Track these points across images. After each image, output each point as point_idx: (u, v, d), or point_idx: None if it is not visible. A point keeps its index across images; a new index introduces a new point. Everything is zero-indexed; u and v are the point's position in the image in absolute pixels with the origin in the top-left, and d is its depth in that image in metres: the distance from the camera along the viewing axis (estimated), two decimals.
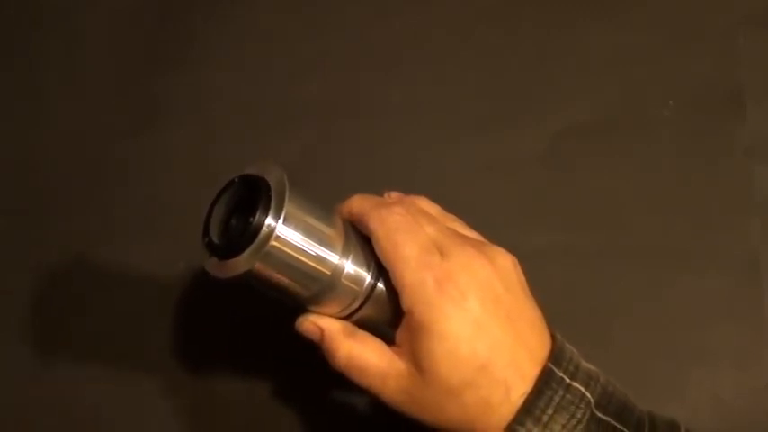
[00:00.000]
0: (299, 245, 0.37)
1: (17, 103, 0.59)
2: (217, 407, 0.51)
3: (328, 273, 0.38)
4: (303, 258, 0.37)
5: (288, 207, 0.36)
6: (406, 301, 0.37)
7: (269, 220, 0.36)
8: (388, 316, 0.40)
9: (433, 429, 0.38)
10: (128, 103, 0.58)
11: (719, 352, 0.48)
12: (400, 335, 0.38)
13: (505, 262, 0.39)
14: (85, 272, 0.54)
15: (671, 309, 0.49)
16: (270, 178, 0.37)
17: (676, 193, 0.52)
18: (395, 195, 0.43)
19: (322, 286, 0.38)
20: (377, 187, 0.53)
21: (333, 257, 0.38)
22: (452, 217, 0.44)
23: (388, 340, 0.39)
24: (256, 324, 0.51)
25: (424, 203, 0.43)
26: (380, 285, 0.40)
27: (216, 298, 0.52)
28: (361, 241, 0.40)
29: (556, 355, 0.38)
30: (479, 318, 0.37)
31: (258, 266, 0.36)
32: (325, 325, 0.39)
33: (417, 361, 0.37)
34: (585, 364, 0.39)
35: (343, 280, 0.38)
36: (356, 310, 0.40)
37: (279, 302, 0.39)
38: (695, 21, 0.55)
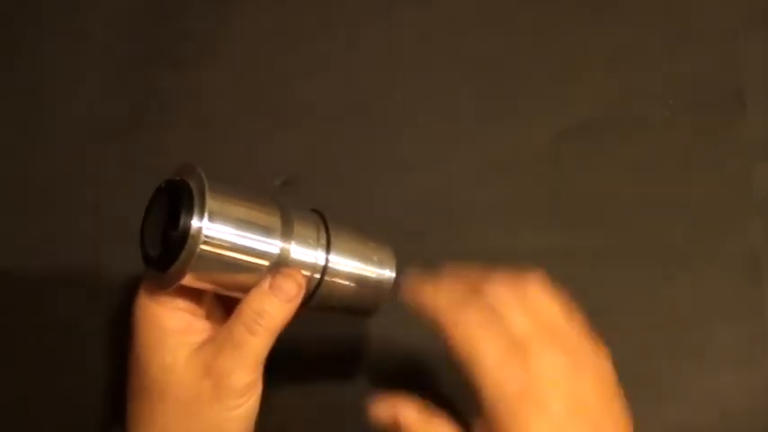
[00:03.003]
0: (232, 240, 0.35)
1: (17, 103, 0.59)
2: None
3: (271, 262, 0.37)
4: (240, 253, 0.36)
5: (210, 203, 0.35)
6: (487, 404, 0.35)
7: (194, 222, 0.34)
8: (354, 292, 0.39)
9: None
10: (127, 102, 0.58)
11: (719, 352, 0.48)
12: (479, 428, 0.36)
13: (598, 363, 0.37)
14: (85, 272, 0.54)
15: (671, 309, 0.49)
16: (189, 178, 0.36)
17: (676, 192, 0.52)
18: (498, 277, 0.38)
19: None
20: (377, 186, 0.54)
21: (273, 245, 0.37)
22: (559, 302, 0.39)
23: (361, 319, 0.38)
24: None
25: (532, 287, 0.38)
26: (334, 259, 0.39)
27: None
28: (308, 221, 0.39)
29: None
30: (564, 427, 0.35)
31: (195, 272, 0.35)
32: (401, 412, 0.37)
33: None
34: None
35: (291, 265, 0.38)
36: (314, 292, 0.39)
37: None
38: (695, 21, 0.55)
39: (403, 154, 0.54)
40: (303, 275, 0.38)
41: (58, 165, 0.57)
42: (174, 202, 0.35)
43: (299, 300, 0.38)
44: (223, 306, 0.41)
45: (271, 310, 0.37)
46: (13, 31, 0.61)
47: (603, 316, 0.49)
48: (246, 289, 0.38)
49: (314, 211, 0.41)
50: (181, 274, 0.35)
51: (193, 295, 0.39)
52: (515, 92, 0.55)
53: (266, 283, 0.37)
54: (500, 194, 0.52)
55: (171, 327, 0.38)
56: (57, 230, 0.56)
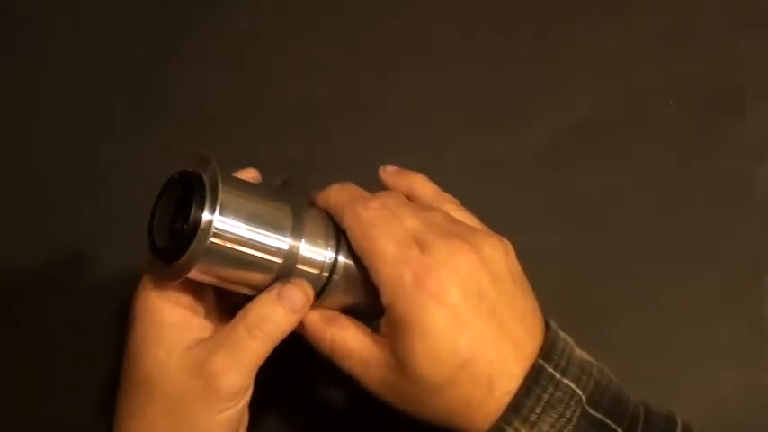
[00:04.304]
0: (242, 235, 0.35)
1: (17, 102, 0.59)
2: None
3: (280, 259, 0.37)
4: (250, 249, 0.36)
5: (222, 197, 0.34)
6: (386, 297, 0.37)
7: (205, 215, 0.34)
8: (362, 293, 0.39)
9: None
10: (128, 102, 0.58)
11: (719, 352, 0.48)
12: (383, 326, 0.38)
13: (494, 252, 0.38)
14: (85, 272, 0.54)
15: (670, 309, 0.49)
16: (202, 170, 0.36)
17: (676, 192, 0.52)
18: (390, 170, 0.43)
19: (278, 273, 0.37)
20: (377, 186, 0.53)
21: (283, 242, 0.37)
22: (448, 198, 0.43)
23: (369, 321, 0.39)
24: None
25: (419, 183, 0.43)
26: (343, 260, 0.39)
27: None
28: (318, 219, 0.39)
29: (547, 350, 0.37)
30: (461, 313, 0.36)
31: (204, 265, 0.35)
32: (303, 318, 0.38)
33: (397, 355, 0.36)
34: (579, 355, 0.38)
35: (299, 264, 0.37)
36: (321, 291, 0.39)
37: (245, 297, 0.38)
38: (695, 21, 0.55)
39: (402, 154, 0.54)
40: (311, 290, 0.38)
41: (59, 165, 0.57)
42: (186, 193, 0.35)
43: (304, 311, 0.38)
44: (223, 308, 0.41)
45: (275, 318, 0.37)
46: (13, 31, 0.61)
47: (603, 315, 0.49)
48: (252, 285, 0.37)
49: None
50: (188, 267, 0.35)
51: (194, 292, 0.39)
52: (515, 91, 0.55)
53: (275, 291, 0.37)
54: (499, 194, 0.52)
55: (169, 320, 0.37)
56: (57, 230, 0.56)
